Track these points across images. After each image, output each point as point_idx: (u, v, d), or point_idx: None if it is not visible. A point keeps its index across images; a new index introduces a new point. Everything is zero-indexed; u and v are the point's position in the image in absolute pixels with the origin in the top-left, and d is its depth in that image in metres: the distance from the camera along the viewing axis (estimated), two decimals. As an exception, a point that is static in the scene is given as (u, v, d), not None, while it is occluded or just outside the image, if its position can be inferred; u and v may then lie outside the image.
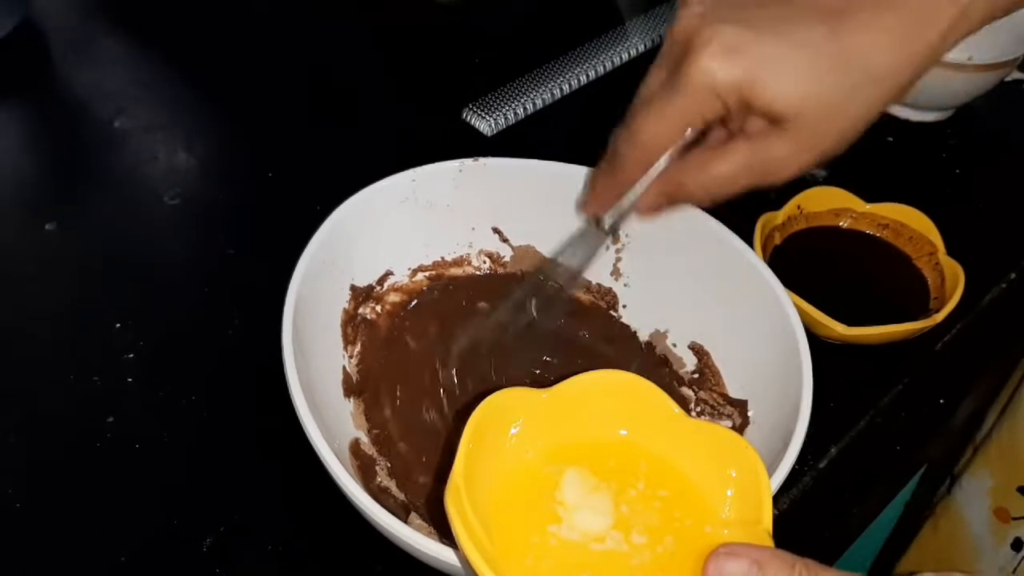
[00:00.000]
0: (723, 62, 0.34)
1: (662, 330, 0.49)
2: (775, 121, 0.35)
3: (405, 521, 0.35)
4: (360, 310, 0.46)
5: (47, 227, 0.54)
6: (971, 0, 0.35)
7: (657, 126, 0.37)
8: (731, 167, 0.37)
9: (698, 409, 0.47)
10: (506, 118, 0.52)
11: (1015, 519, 0.62)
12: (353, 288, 0.46)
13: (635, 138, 0.38)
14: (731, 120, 0.37)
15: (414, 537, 0.34)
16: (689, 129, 0.37)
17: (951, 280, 0.52)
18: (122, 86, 0.62)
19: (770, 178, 0.37)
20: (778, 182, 0.37)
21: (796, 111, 0.34)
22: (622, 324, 0.50)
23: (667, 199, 0.40)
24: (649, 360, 0.49)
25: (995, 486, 0.62)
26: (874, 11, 0.35)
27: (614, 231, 0.42)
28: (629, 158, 0.39)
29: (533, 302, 0.47)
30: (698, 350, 0.48)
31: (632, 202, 0.40)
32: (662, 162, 0.39)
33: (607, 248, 0.48)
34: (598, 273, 0.51)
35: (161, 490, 0.43)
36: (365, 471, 0.41)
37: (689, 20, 0.36)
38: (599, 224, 0.42)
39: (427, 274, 0.50)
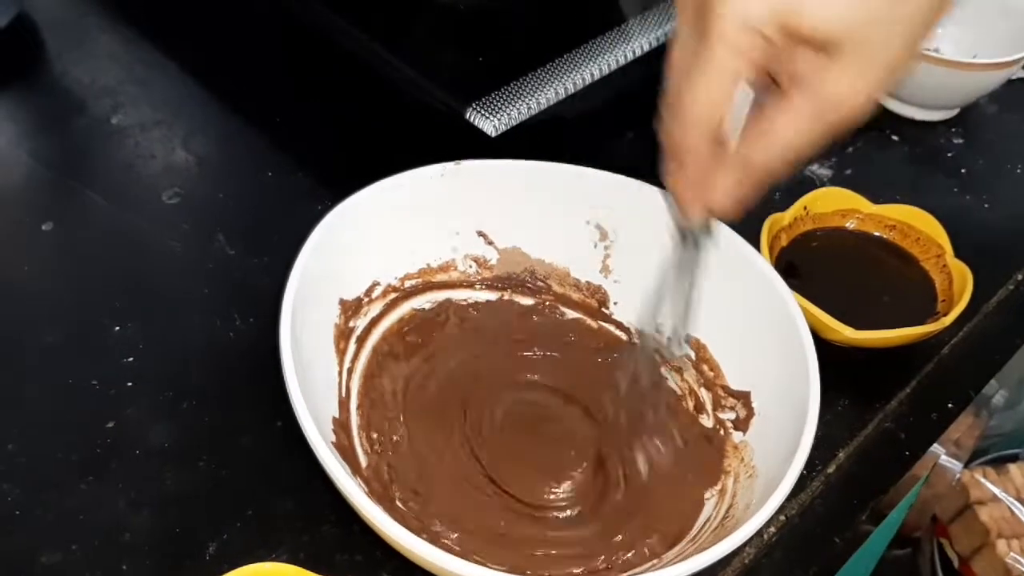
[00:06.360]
0: None
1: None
2: (825, 48, 0.32)
3: (410, 529, 0.35)
4: (351, 323, 0.46)
5: (44, 227, 0.53)
6: None
7: (704, 90, 0.32)
8: (795, 121, 0.33)
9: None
10: (510, 117, 0.51)
11: None
12: (342, 302, 0.45)
13: (683, 113, 0.33)
14: (779, 64, 0.33)
15: (419, 546, 0.34)
16: (742, 82, 0.32)
17: (959, 282, 0.51)
18: (119, 83, 0.62)
19: (837, 119, 0.33)
20: (847, 123, 0.33)
21: (846, 30, 0.31)
22: (614, 321, 0.50)
23: (745, 184, 0.34)
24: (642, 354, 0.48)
25: None
26: None
27: (710, 229, 0.38)
28: (685, 139, 0.33)
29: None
30: (695, 345, 0.47)
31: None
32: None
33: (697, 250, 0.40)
34: (587, 270, 0.50)
35: (163, 496, 0.42)
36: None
37: None
38: (696, 230, 0.37)
39: (414, 282, 0.49)
